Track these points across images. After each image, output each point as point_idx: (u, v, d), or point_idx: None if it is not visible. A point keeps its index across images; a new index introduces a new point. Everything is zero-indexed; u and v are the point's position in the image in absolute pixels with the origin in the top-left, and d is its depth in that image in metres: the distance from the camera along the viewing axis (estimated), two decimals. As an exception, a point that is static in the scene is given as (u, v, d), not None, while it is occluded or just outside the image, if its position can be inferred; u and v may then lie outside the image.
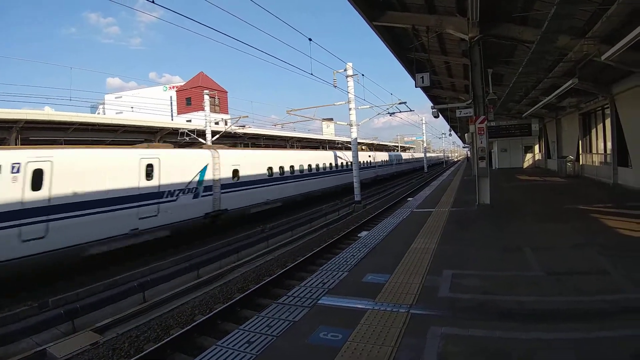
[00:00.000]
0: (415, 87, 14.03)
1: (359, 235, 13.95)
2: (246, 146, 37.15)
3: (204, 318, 8.21)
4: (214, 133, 29.63)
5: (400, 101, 27.53)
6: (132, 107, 43.52)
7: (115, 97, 69.48)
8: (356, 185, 25.14)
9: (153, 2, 8.07)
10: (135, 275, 12.01)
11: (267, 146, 39.16)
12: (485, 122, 12.73)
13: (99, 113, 59.19)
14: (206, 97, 30.31)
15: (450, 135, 61.61)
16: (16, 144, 22.06)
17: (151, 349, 7.08)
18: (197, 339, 7.58)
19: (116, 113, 52.29)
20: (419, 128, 72.86)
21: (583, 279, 5.74)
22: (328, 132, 69.45)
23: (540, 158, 34.26)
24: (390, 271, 6.41)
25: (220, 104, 60.19)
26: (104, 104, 67.07)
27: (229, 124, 33.55)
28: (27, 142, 22.58)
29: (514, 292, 5.35)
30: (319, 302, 5.33)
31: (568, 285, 5.51)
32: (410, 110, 29.61)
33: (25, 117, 22.58)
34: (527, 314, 4.63)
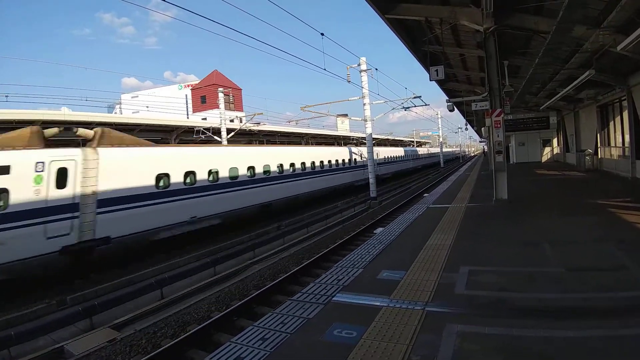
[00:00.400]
0: (430, 80, 13.93)
1: (374, 231, 13.95)
2: (261, 143, 37.31)
3: (220, 315, 8.29)
4: (229, 131, 29.80)
5: (415, 95, 27.28)
6: (147, 106, 43.92)
7: (132, 97, 70.39)
8: (372, 181, 25.08)
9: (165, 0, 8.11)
10: (153, 272, 12.17)
11: (282, 143, 39.24)
12: (502, 115, 12.56)
13: (115, 112, 59.91)
14: (221, 95, 30.52)
15: (466, 129, 60.97)
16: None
17: (168, 345, 7.15)
18: (213, 335, 7.64)
19: (132, 112, 52.86)
20: (434, 122, 72.47)
21: (602, 275, 5.63)
22: (343, 127, 69.38)
23: (559, 152, 33.69)
24: (406, 268, 6.36)
25: (234, 102, 60.48)
26: (120, 103, 67.87)
27: (244, 122, 33.71)
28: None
29: (532, 288, 5.27)
30: (334, 299, 5.31)
31: (587, 281, 5.41)
32: (426, 105, 29.35)
33: (42, 118, 22.93)
34: (546, 311, 4.54)
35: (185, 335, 7.47)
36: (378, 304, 5.02)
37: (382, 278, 6.02)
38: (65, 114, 26.08)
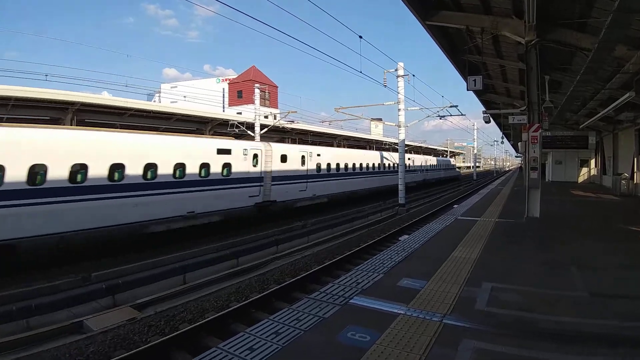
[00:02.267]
0: (467, 90, 13.75)
1: (399, 238, 13.83)
2: (293, 141, 37.52)
3: (239, 305, 8.37)
4: (262, 126, 30.10)
5: (451, 104, 26.91)
6: (184, 96, 44.80)
7: (171, 87, 71.79)
8: (401, 187, 24.84)
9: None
10: (178, 257, 12.41)
11: (314, 142, 39.36)
12: (540, 131, 12.26)
13: (154, 101, 61.32)
14: (257, 91, 30.81)
15: (502, 142, 59.67)
16: (71, 125, 23.26)
17: (185, 329, 7.28)
18: (231, 324, 7.72)
19: (171, 102, 53.97)
20: (469, 133, 71.32)
21: (629, 303, 5.44)
22: (376, 132, 69.09)
23: (595, 173, 32.61)
24: (427, 278, 6.30)
25: (270, 98, 61.11)
26: (159, 92, 69.39)
27: (277, 118, 33.98)
28: (82, 124, 23.78)
29: (555, 311, 5.12)
30: (351, 301, 5.32)
31: (613, 309, 5.23)
32: (462, 115, 28.92)
33: (81, 100, 23.64)
34: (566, 335, 4.42)
35: (203, 321, 7.59)
36: (395, 311, 5.00)
37: (401, 285, 5.98)
38: (104, 98, 26.89)
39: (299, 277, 10.25)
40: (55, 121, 23.81)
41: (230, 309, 8.16)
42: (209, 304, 8.82)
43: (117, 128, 23.38)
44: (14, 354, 6.71)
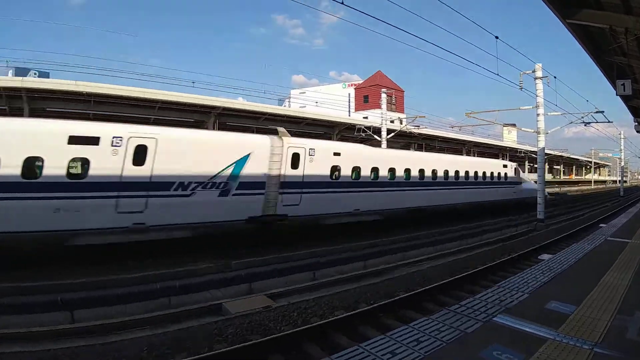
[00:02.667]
0: (616, 94, 12.36)
1: (539, 257, 12.92)
2: (420, 147, 36.87)
3: (368, 307, 8.44)
4: (389, 131, 30.07)
5: (596, 110, 24.03)
6: (316, 102, 46.72)
7: (300, 93, 75.44)
8: (540, 201, 22.95)
9: (342, 2, 8.51)
10: (309, 254, 13.10)
11: (441, 149, 38.32)
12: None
13: (285, 106, 64.92)
14: (383, 96, 30.93)
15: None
16: (213, 128, 25.67)
17: (317, 323, 7.55)
18: (358, 326, 7.79)
19: (300, 107, 56.60)
20: (616, 142, 63.03)
21: None
22: (509, 138, 64.83)
23: None
24: (577, 302, 5.81)
25: (396, 103, 60.84)
26: (289, 98, 73.16)
27: (404, 123, 33.70)
28: (223, 128, 26.10)
29: None
30: (494, 319, 5.13)
31: None
32: (609, 122, 25.66)
33: (222, 105, 26.08)
34: None
35: (333, 318, 7.82)
36: (543, 334, 4.70)
37: (549, 308, 5.59)
38: (242, 103, 29.17)
39: (428, 287, 10.03)
40: (199, 123, 26.52)
41: (359, 310, 8.29)
42: (338, 302, 9.02)
43: (253, 132, 25.26)
44: (158, 329, 7.46)
